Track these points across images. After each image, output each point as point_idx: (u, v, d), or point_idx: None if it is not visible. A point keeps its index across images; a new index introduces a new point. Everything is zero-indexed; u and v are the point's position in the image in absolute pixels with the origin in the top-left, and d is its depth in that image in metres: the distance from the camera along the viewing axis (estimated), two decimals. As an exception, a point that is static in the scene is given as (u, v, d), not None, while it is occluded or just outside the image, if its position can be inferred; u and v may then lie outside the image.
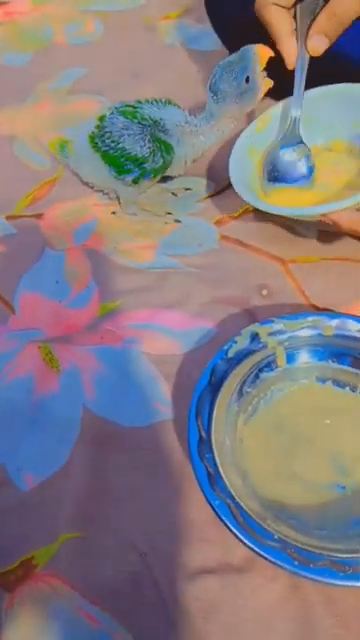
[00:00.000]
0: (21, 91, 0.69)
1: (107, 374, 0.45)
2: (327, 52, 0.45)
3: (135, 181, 0.52)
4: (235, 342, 0.41)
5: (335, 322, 0.42)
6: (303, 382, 0.42)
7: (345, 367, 0.42)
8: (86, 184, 0.57)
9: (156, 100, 0.52)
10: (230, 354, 0.41)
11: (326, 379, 0.42)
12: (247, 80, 0.47)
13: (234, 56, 0.47)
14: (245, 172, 0.50)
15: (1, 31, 0.77)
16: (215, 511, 0.33)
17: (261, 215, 0.53)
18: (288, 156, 0.49)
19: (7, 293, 0.51)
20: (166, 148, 0.50)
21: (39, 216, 0.56)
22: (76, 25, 0.77)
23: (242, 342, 0.41)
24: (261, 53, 0.46)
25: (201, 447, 0.36)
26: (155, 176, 0.52)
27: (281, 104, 0.52)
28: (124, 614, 0.34)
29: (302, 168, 0.48)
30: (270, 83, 0.48)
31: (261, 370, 0.41)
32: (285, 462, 0.39)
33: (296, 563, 0.31)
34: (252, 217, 0.54)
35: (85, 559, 0.37)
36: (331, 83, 0.50)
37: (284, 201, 0.48)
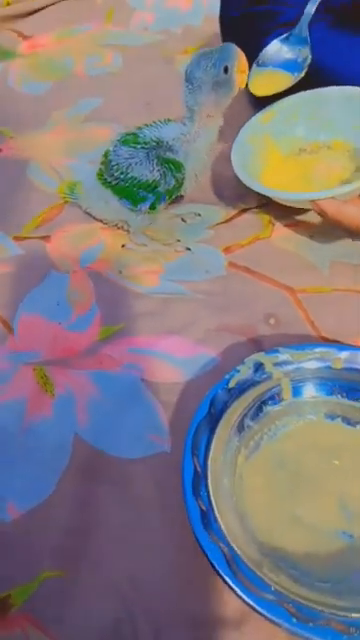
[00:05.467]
0: (39, 118, 0.70)
1: (102, 400, 0.43)
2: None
3: (152, 207, 0.51)
4: (238, 371, 0.39)
5: (345, 354, 0.39)
6: (310, 418, 0.39)
7: (356, 403, 0.39)
8: (100, 221, 0.55)
9: (155, 122, 0.50)
10: (232, 384, 0.38)
11: (336, 416, 0.39)
12: (225, 70, 0.44)
13: (212, 49, 0.45)
14: (246, 158, 0.51)
15: (24, 62, 0.79)
16: (208, 558, 0.30)
17: (271, 244, 0.52)
18: (285, 53, 0.50)
19: (8, 313, 0.49)
20: (176, 166, 0.49)
21: (46, 238, 0.56)
22: (95, 57, 0.78)
23: (245, 372, 0.39)
24: (241, 59, 0.44)
25: (196, 485, 0.34)
26: (170, 197, 0.51)
27: (288, 100, 0.54)
28: (102, 667, 0.31)
29: (296, 60, 0.49)
30: (244, 80, 0.45)
31: (265, 403, 0.39)
32: (288, 505, 0.36)
33: (294, 620, 0.28)
34: (262, 245, 0.52)
35: (64, 602, 0.33)
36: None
37: (266, 87, 0.49)
